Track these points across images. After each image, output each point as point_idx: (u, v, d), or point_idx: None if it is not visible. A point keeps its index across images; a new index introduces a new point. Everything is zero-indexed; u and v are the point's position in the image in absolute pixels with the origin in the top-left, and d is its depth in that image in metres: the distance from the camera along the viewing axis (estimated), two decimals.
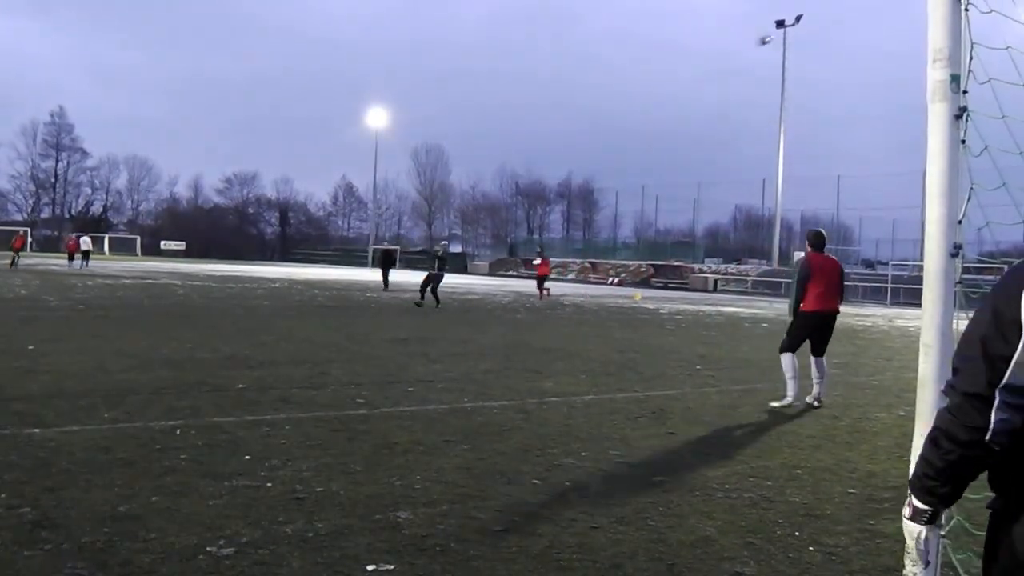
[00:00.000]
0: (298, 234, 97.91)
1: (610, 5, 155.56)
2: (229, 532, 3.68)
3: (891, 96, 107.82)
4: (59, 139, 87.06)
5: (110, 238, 78.10)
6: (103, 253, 68.27)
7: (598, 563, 3.56)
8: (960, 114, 2.99)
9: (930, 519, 1.77)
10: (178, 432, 5.59)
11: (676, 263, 58.30)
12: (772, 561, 3.70)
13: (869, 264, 52.19)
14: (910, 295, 34.86)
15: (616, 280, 56.23)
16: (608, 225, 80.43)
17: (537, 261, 29.20)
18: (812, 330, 7.94)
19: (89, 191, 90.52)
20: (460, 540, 3.74)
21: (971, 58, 2.98)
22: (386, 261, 30.52)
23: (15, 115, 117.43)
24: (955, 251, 3.01)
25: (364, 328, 14.42)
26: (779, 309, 26.89)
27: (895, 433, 6.76)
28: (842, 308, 8.24)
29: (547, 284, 28.60)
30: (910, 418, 3.38)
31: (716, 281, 51.49)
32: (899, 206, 55.23)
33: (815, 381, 7.96)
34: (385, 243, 60.71)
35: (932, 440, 1.69)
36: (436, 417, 6.62)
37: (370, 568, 3.37)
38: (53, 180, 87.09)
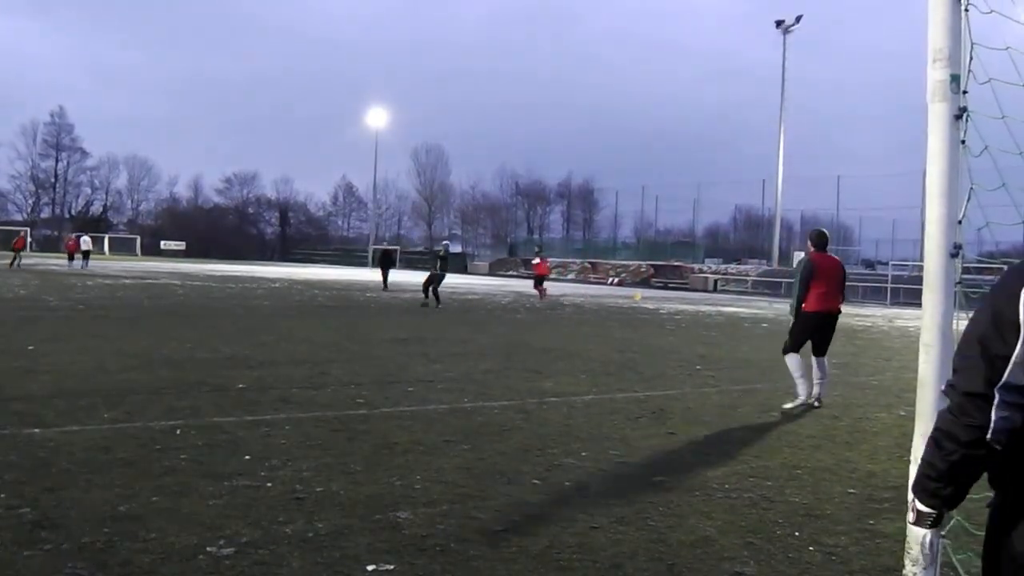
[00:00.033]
0: (298, 234, 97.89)
1: (610, 5, 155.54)
2: (229, 532, 3.68)
3: (891, 96, 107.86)
4: (59, 139, 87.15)
5: (110, 238, 78.06)
6: (103, 253, 68.25)
7: (598, 563, 3.56)
8: (960, 114, 2.99)
9: (934, 522, 1.76)
10: (178, 432, 5.59)
11: (676, 263, 58.29)
12: (772, 561, 3.70)
13: (869, 264, 52.15)
14: (910, 295, 34.84)
15: (616, 280, 56.22)
16: (608, 225, 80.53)
17: (536, 261, 29.19)
18: (814, 330, 7.91)
19: (89, 191, 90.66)
20: (460, 540, 3.74)
21: (971, 58, 2.98)
22: (385, 261, 30.51)
23: (15, 115, 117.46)
24: (955, 251, 3.02)
25: (364, 328, 14.42)
26: (779, 309, 26.90)
27: (895, 433, 6.76)
28: (843, 308, 8.23)
29: (544, 284, 28.54)
30: (910, 418, 3.38)
31: (716, 281, 51.49)
32: (899, 206, 55.27)
33: (816, 381, 7.95)
34: (385, 243, 60.68)
35: (934, 442, 1.70)
36: (436, 417, 6.62)
37: (370, 568, 3.37)
38: (53, 180, 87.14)
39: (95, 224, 77.91)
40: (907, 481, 3.45)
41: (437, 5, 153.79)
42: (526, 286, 31.49)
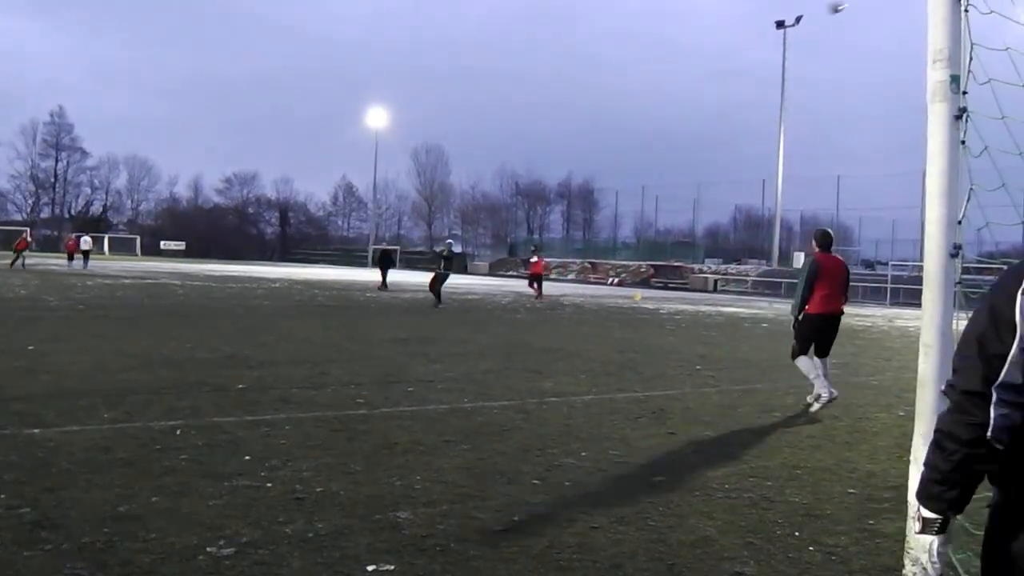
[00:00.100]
0: (298, 234, 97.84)
1: (610, 5, 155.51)
2: (229, 532, 3.68)
3: (891, 96, 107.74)
4: (59, 139, 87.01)
5: (110, 238, 78.01)
6: (103, 253, 68.24)
7: (598, 563, 3.56)
8: (960, 115, 2.99)
9: (940, 528, 1.74)
10: (178, 432, 5.59)
11: (676, 263, 58.28)
12: (772, 561, 3.70)
13: (869, 264, 52.13)
14: (910, 295, 34.83)
15: (616, 280, 56.22)
16: (608, 225, 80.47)
17: (534, 259, 29.18)
18: (818, 332, 7.87)
19: (89, 191, 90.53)
20: (460, 540, 3.74)
21: (971, 59, 2.98)
22: (385, 261, 30.50)
23: (15, 115, 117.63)
24: (955, 251, 3.02)
25: (364, 328, 14.42)
26: (779, 309, 26.92)
27: (895, 433, 6.77)
28: (845, 309, 8.21)
29: (541, 283, 28.50)
30: (910, 418, 3.39)
31: (716, 281, 51.48)
32: (899, 206, 55.26)
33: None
34: (384, 243, 60.68)
35: (936, 444, 1.70)
36: (436, 417, 6.62)
37: (370, 568, 3.37)
38: (53, 180, 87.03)
39: (95, 224, 77.84)
40: (907, 481, 3.46)
41: (437, 4, 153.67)
42: (526, 286, 31.45)
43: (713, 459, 5.63)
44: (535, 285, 27.88)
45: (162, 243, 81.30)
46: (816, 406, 7.62)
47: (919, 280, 3.36)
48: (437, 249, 28.66)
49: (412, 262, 67.51)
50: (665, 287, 50.75)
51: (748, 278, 51.78)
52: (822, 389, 7.64)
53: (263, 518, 3.90)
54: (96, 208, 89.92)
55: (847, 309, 8.20)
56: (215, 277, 34.06)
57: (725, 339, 15.62)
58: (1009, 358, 1.56)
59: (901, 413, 7.56)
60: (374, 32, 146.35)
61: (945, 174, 3.01)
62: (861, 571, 3.65)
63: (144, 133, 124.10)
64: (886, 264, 49.39)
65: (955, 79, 2.98)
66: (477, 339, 13.17)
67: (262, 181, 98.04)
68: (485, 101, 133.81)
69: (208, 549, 3.46)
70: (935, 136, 3.03)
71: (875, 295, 40.48)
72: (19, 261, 34.35)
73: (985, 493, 1.70)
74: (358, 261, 71.58)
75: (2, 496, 4.03)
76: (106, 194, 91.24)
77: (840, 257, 8.50)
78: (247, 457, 5.02)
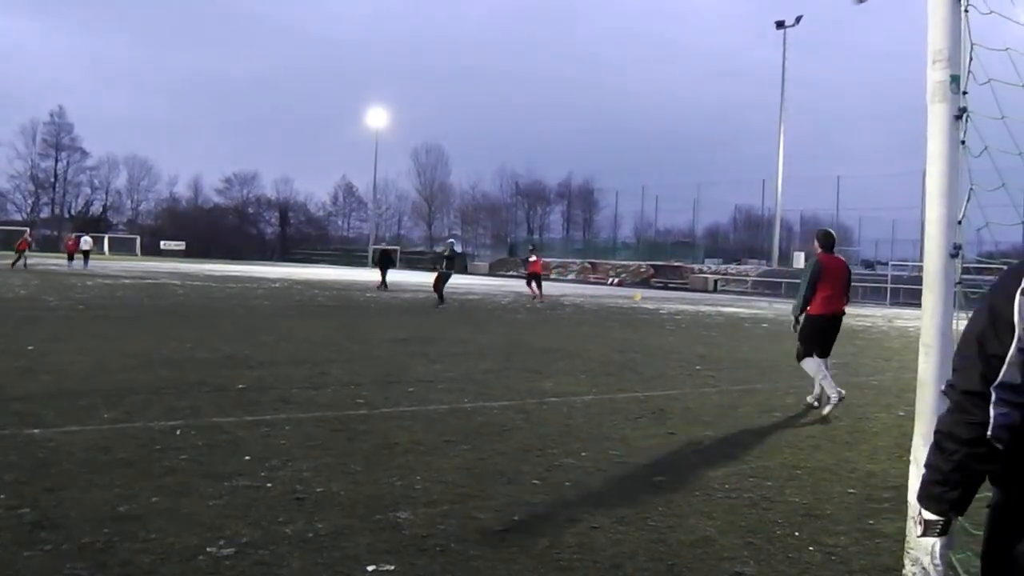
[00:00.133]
0: (298, 234, 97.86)
1: (610, 5, 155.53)
2: (229, 532, 3.68)
3: (891, 96, 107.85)
4: (59, 139, 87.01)
5: (110, 238, 78.00)
6: (103, 253, 68.24)
7: (598, 563, 3.56)
8: (960, 115, 2.99)
9: (942, 530, 1.74)
10: (178, 432, 5.59)
11: (676, 263, 58.28)
12: (772, 561, 3.71)
13: (869, 264, 52.12)
14: (910, 295, 34.83)
15: (616, 280, 56.22)
16: (608, 225, 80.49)
17: (532, 259, 29.15)
18: (821, 333, 7.84)
19: (89, 191, 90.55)
20: (460, 540, 3.74)
21: (971, 59, 2.98)
22: (384, 261, 30.50)
23: (15, 115, 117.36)
24: (955, 251, 3.02)
25: (364, 328, 14.42)
26: (779, 309, 26.92)
27: (895, 433, 6.77)
28: (846, 309, 8.20)
29: (540, 283, 28.44)
30: (910, 418, 3.39)
31: (716, 281, 51.48)
32: (899, 206, 55.37)
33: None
34: (384, 243, 60.67)
35: (936, 445, 1.70)
36: (436, 417, 6.62)
37: (370, 568, 3.37)
38: (53, 180, 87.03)
39: (95, 224, 77.84)
40: (907, 481, 3.46)
41: (437, 4, 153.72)
42: (526, 287, 31.44)
43: (713, 459, 5.63)
44: (533, 285, 27.85)
45: (162, 243, 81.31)
46: (827, 408, 7.51)
47: (919, 280, 3.36)
48: (438, 249, 28.61)
49: (412, 262, 67.57)
50: (665, 287, 50.75)
51: (748, 278, 51.78)
52: (831, 391, 7.55)
53: (263, 518, 3.90)
54: (96, 208, 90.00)
55: (847, 309, 8.19)
56: (215, 277, 34.06)
57: (725, 339, 15.62)
58: (1008, 358, 1.56)
59: (901, 413, 7.56)
60: (374, 32, 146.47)
61: (945, 174, 3.01)
62: (861, 571, 3.65)
63: (144, 133, 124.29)
64: (886, 264, 49.38)
65: (955, 79, 2.98)
66: (477, 339, 13.17)
67: (262, 181, 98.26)
68: (485, 101, 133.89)
69: (208, 549, 3.47)
70: (935, 136, 3.03)
71: (875, 295, 40.48)
72: (21, 261, 34.34)
73: (985, 493, 1.70)
74: (358, 261, 71.60)
75: (2, 496, 4.03)
76: (106, 194, 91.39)
77: (842, 258, 8.48)
78: (247, 457, 5.02)
